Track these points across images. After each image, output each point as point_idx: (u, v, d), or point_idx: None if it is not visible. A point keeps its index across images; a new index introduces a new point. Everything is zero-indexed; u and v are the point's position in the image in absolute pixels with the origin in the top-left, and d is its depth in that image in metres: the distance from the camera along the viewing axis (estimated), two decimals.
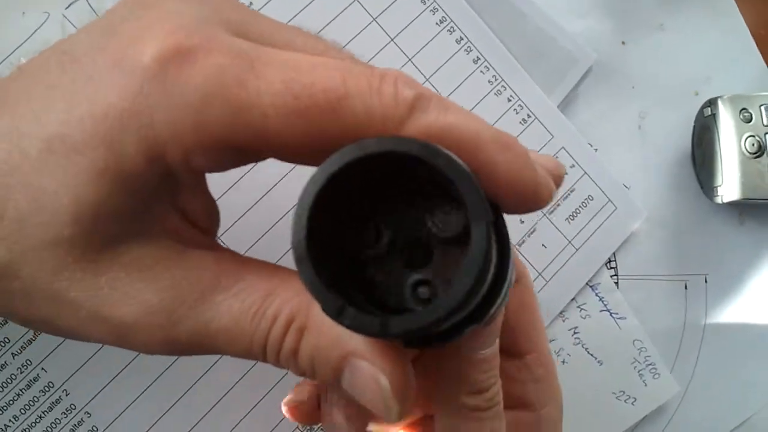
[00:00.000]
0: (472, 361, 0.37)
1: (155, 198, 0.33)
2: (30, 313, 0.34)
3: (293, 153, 0.32)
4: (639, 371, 0.65)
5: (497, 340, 0.38)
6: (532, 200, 0.32)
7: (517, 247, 0.63)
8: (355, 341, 0.32)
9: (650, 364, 0.65)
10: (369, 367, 0.32)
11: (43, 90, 0.32)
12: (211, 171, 0.34)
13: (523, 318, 0.46)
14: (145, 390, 0.55)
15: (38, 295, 0.32)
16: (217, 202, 0.38)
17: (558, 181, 0.35)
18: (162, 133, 0.30)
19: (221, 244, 0.38)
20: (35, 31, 0.56)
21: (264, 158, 0.33)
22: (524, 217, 0.63)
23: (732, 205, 0.68)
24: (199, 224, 0.36)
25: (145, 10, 0.33)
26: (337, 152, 0.28)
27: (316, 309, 0.29)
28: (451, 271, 0.31)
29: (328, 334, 0.33)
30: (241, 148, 0.31)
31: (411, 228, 0.32)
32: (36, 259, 0.32)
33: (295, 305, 0.33)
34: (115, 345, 0.34)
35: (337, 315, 0.28)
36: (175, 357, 0.51)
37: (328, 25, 0.60)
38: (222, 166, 0.33)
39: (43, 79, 0.33)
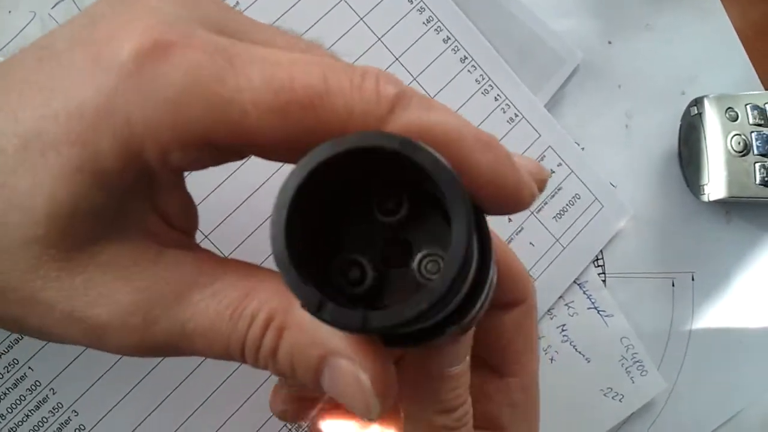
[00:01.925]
0: (441, 378, 0.36)
1: (132, 197, 0.32)
2: (1, 312, 0.32)
3: (274, 150, 0.31)
4: (626, 368, 0.64)
5: (468, 357, 0.37)
6: (513, 201, 0.31)
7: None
8: (335, 340, 0.31)
9: (637, 362, 0.64)
10: (349, 365, 0.31)
11: (20, 85, 0.31)
12: (189, 169, 0.33)
13: (517, 340, 0.44)
14: (133, 389, 0.54)
15: (10, 295, 0.31)
16: (202, 204, 0.37)
17: (541, 185, 0.34)
18: (138, 130, 0.29)
19: (208, 244, 0.37)
20: (21, 30, 0.55)
21: (244, 156, 0.32)
22: (512, 215, 0.61)
23: (718, 203, 0.67)
24: (176, 224, 0.35)
25: (125, 6, 0.31)
26: (317, 147, 0.27)
27: (296, 308, 0.29)
28: (430, 266, 0.30)
29: (308, 333, 0.31)
30: (221, 146, 0.30)
31: (390, 223, 0.31)
32: (9, 258, 0.30)
33: (274, 305, 0.32)
34: (89, 346, 0.33)
35: (316, 310, 0.27)
36: (160, 358, 0.52)
37: (315, 24, 0.59)
38: (201, 165, 0.32)
39: (20, 74, 0.31)
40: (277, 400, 0.43)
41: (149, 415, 0.54)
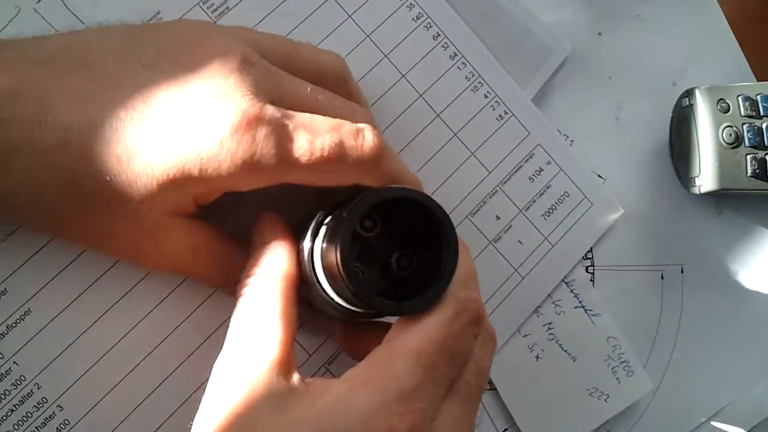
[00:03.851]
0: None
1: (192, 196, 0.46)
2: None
3: (309, 182, 0.46)
4: (613, 368, 0.62)
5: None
6: None
7: (493, 244, 0.61)
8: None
9: (624, 362, 0.62)
10: None
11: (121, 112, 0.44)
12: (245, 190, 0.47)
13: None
14: (117, 384, 0.52)
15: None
16: None
17: None
18: (228, 174, 0.43)
19: None
20: (6, 25, 0.53)
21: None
22: (500, 213, 0.61)
23: (709, 195, 0.65)
24: (201, 204, 0.48)
25: (219, 79, 0.44)
26: (383, 188, 0.43)
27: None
28: (403, 261, 0.47)
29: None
30: (275, 181, 0.45)
31: (369, 237, 0.47)
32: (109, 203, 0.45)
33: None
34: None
35: (372, 300, 0.42)
36: (146, 354, 0.54)
37: (302, 22, 0.57)
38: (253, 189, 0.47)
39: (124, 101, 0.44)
40: None
41: (134, 410, 0.53)
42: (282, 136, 0.43)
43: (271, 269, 0.45)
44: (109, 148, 0.43)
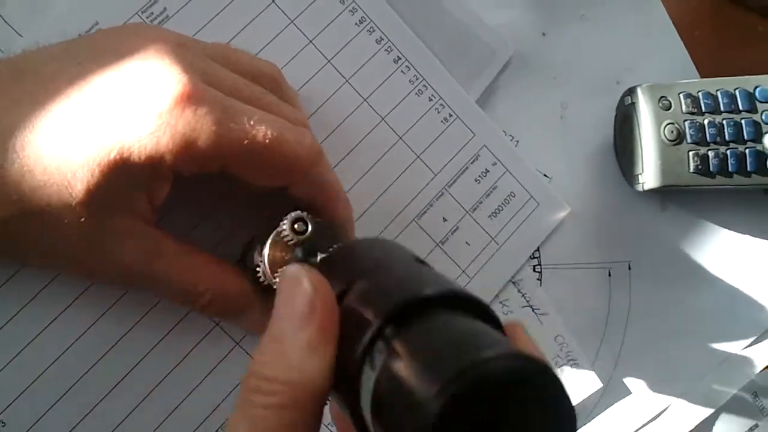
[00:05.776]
0: None
1: (140, 188, 0.45)
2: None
3: (245, 170, 0.46)
4: (561, 367, 0.62)
5: None
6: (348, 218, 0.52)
7: (440, 245, 0.60)
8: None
9: (572, 360, 0.62)
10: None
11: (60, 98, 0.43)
12: (187, 175, 0.45)
13: None
14: (61, 398, 0.52)
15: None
16: None
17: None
18: (167, 150, 0.42)
19: None
20: None
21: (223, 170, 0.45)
22: (447, 215, 0.60)
23: (653, 192, 0.64)
24: (154, 204, 0.47)
25: (155, 59, 0.44)
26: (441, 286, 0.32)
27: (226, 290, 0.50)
28: None
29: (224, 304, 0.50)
30: (215, 165, 0.44)
31: None
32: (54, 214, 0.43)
33: (214, 286, 0.49)
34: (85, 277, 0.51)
35: None
36: (89, 366, 0.53)
37: (244, 29, 0.56)
38: (194, 172, 0.45)
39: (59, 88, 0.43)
40: None
41: (77, 424, 0.52)
42: (223, 115, 0.42)
43: (300, 382, 0.32)
44: (47, 143, 0.42)
